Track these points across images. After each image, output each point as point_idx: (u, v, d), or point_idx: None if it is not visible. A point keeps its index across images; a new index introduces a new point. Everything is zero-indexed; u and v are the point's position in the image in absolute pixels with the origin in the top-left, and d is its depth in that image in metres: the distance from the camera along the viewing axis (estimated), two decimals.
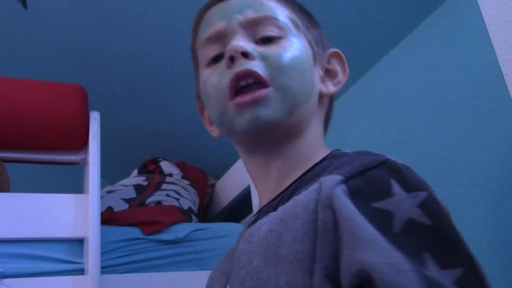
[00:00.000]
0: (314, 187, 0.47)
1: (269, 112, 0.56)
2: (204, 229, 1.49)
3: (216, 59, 0.62)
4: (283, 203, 0.52)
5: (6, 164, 1.38)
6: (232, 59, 0.57)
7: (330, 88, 0.65)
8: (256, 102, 0.56)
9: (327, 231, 0.42)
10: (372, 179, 0.44)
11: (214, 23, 0.62)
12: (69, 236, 1.24)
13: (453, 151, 1.09)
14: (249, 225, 0.58)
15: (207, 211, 2.00)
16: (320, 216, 0.44)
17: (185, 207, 1.67)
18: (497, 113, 1.00)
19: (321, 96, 0.64)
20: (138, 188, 1.70)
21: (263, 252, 0.47)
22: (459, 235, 0.41)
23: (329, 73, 0.66)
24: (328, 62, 0.66)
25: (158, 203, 1.63)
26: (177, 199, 1.68)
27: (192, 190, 1.82)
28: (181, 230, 1.44)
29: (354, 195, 0.43)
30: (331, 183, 0.45)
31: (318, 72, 0.64)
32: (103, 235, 1.24)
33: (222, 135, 0.65)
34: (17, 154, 1.35)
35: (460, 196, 1.03)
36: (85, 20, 1.74)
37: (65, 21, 1.78)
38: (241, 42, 0.58)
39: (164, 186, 1.73)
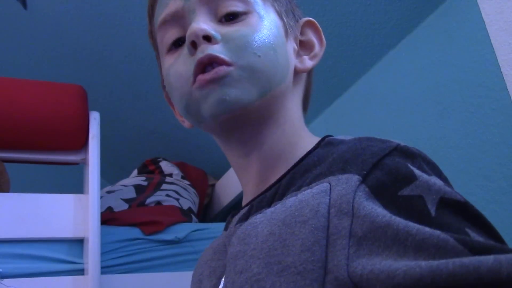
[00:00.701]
0: (322, 187, 0.43)
1: (236, 91, 0.50)
2: (204, 229, 1.49)
3: (177, 43, 0.55)
4: (279, 198, 0.48)
5: (6, 164, 1.38)
6: (194, 45, 0.51)
7: (307, 63, 0.58)
8: (220, 81, 0.49)
9: (339, 239, 0.39)
10: (390, 168, 0.41)
11: (169, 2, 0.55)
12: (69, 236, 1.24)
13: (453, 151, 1.09)
14: (241, 220, 0.53)
15: (207, 211, 2.00)
16: (333, 222, 0.40)
17: (185, 207, 1.67)
18: (497, 113, 1.00)
19: (297, 72, 0.57)
20: (138, 188, 1.70)
21: (264, 257, 0.43)
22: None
23: (304, 45, 0.59)
24: (302, 33, 0.59)
25: (158, 203, 1.63)
26: (177, 199, 1.68)
27: (192, 190, 1.82)
28: (181, 230, 1.44)
29: (378, 192, 0.39)
30: (349, 187, 0.40)
31: (291, 46, 0.57)
32: (103, 235, 1.24)
33: (194, 126, 0.59)
34: (17, 154, 1.35)
35: None
36: (85, 20, 1.74)
37: (65, 21, 1.78)
38: (202, 24, 0.51)
39: (164, 186, 1.73)
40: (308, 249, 0.40)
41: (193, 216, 1.67)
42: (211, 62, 0.50)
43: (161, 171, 1.89)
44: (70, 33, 1.82)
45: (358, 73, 1.39)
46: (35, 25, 1.86)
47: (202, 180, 1.94)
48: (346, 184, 0.41)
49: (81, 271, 1.21)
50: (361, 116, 1.39)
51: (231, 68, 0.50)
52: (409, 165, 0.41)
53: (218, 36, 0.51)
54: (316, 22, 0.60)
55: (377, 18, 1.24)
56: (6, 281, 1.10)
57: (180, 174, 1.88)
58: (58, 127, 1.33)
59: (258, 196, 0.53)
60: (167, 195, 1.68)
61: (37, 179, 2.21)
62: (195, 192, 1.84)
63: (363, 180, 0.40)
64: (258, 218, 0.47)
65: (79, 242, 1.25)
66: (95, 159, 1.31)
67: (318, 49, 0.59)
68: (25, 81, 1.38)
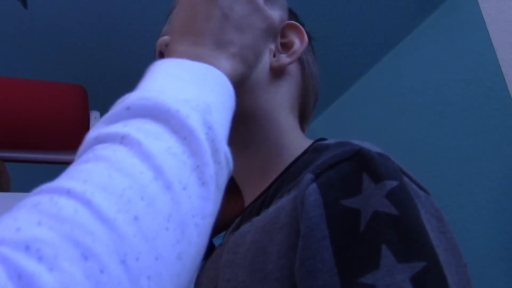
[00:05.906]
0: (296, 192, 0.43)
1: None
2: None
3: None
4: (266, 207, 0.49)
5: (6, 163, 1.38)
6: (161, 55, 0.58)
7: (282, 60, 0.56)
8: None
9: (301, 241, 0.39)
10: (344, 173, 0.41)
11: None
12: None
13: (453, 151, 1.09)
14: (233, 230, 0.54)
15: None
16: (300, 226, 0.40)
17: None
18: (497, 113, 1.00)
19: (272, 69, 0.56)
20: None
21: (248, 266, 0.44)
22: (426, 229, 0.38)
23: (285, 46, 0.58)
24: (283, 35, 0.58)
25: None
26: None
27: None
28: None
29: (326, 190, 0.40)
30: (303, 186, 0.41)
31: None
32: None
33: None
34: (17, 154, 1.34)
35: (460, 196, 1.03)
36: (85, 20, 1.74)
37: (65, 21, 1.78)
38: (165, 37, 0.59)
39: None
40: (284, 255, 0.41)
41: None
42: None
43: None
44: (70, 33, 1.82)
45: (358, 73, 1.39)
46: (35, 25, 1.86)
47: None
48: (304, 183, 0.42)
49: None
50: (361, 116, 1.39)
51: None
52: (363, 175, 0.40)
53: None
54: (297, 23, 0.59)
55: (377, 18, 1.24)
56: None
57: None
58: (58, 126, 1.33)
59: (250, 204, 0.55)
60: None
61: (37, 179, 2.20)
62: None
63: (315, 178, 0.41)
64: (246, 228, 0.49)
65: None
66: None
67: (297, 46, 0.58)
68: (25, 81, 1.38)
